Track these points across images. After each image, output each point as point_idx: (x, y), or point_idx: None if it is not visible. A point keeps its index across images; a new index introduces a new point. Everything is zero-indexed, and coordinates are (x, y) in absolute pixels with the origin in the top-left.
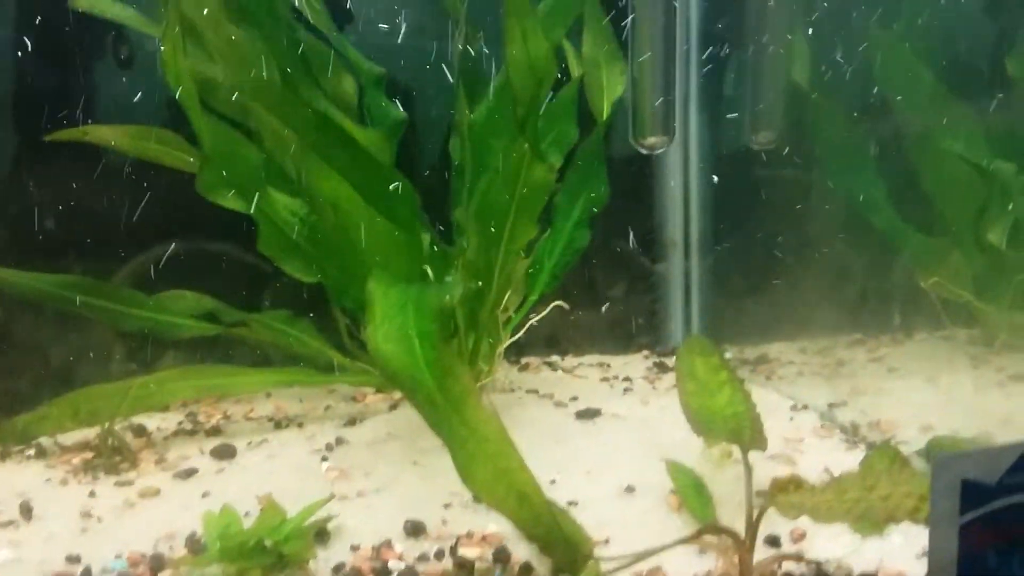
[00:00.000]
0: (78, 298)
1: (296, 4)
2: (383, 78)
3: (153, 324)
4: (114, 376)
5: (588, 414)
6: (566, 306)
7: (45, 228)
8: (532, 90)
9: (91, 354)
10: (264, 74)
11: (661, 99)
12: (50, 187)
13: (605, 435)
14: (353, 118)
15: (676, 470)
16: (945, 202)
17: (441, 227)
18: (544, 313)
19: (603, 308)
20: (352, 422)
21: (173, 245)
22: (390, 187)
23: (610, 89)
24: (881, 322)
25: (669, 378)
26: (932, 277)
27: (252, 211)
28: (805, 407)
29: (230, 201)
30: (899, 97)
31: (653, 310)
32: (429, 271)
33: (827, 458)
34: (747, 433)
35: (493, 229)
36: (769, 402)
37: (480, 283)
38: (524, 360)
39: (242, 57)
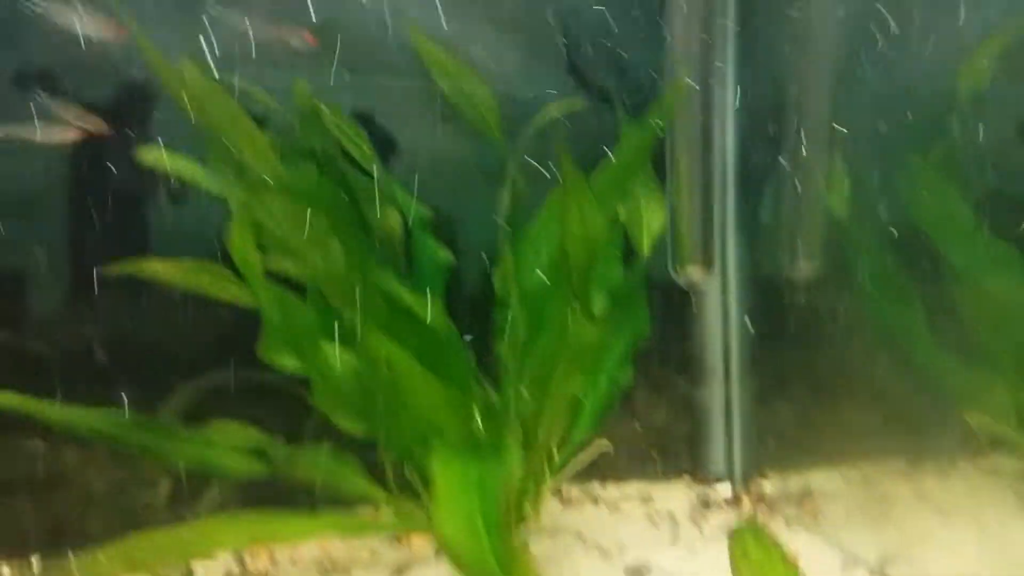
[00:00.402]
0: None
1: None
2: (430, 221)
3: (201, 461)
4: (159, 509)
5: (637, 572)
6: (611, 447)
7: (97, 360)
8: (587, 262)
9: (137, 484)
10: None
11: (700, 231)
12: (104, 320)
13: None
14: (398, 259)
15: None
16: (987, 334)
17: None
18: (589, 456)
19: (644, 436)
20: (399, 571)
21: (222, 375)
22: (444, 348)
23: (650, 225)
24: (924, 452)
25: (714, 518)
26: (974, 408)
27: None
28: (856, 561)
29: (288, 362)
30: (936, 230)
31: (694, 437)
32: (480, 424)
33: None
34: None
35: (543, 382)
36: (819, 556)
37: (528, 434)
38: (565, 492)
39: (300, 223)
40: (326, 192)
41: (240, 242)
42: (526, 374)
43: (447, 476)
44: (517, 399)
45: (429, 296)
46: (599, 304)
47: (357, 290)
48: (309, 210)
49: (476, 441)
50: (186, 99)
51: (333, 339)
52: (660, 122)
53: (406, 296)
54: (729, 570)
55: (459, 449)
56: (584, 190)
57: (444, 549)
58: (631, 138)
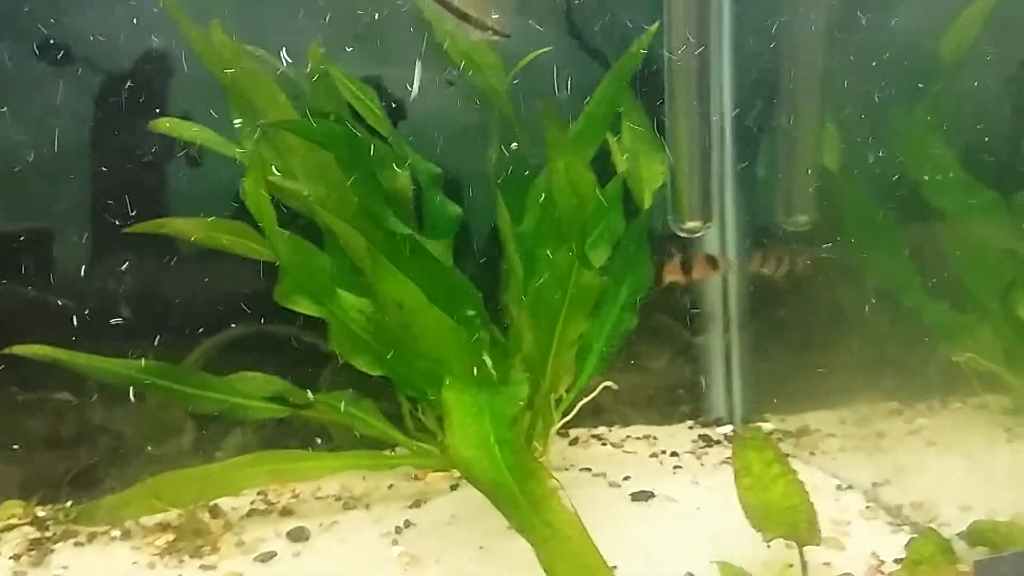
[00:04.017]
0: (154, 382)
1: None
2: (439, 177)
3: (225, 406)
4: (186, 452)
5: (642, 496)
6: (615, 386)
7: (122, 314)
8: (576, 211)
9: (164, 431)
10: (339, 190)
11: (699, 185)
12: (128, 276)
13: (660, 520)
14: (409, 212)
15: (728, 571)
16: (973, 280)
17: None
18: (594, 395)
19: (647, 380)
20: (417, 503)
21: (243, 327)
22: (452, 287)
23: (650, 179)
24: (916, 391)
25: (715, 452)
26: (963, 350)
27: (324, 313)
28: (850, 487)
29: (304, 307)
30: (926, 180)
31: (695, 382)
32: (488, 362)
33: (874, 541)
34: (803, 527)
35: (547, 325)
36: (815, 482)
37: (535, 373)
38: (573, 433)
39: (321, 174)
40: (341, 142)
41: (254, 191)
42: (529, 319)
43: (459, 403)
44: (521, 341)
45: (438, 241)
46: (601, 254)
47: (369, 233)
48: (324, 158)
49: (486, 373)
50: (213, 62)
51: (347, 284)
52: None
53: (415, 236)
54: (731, 488)
55: (470, 380)
56: (565, 141)
57: (461, 470)
58: (604, 87)
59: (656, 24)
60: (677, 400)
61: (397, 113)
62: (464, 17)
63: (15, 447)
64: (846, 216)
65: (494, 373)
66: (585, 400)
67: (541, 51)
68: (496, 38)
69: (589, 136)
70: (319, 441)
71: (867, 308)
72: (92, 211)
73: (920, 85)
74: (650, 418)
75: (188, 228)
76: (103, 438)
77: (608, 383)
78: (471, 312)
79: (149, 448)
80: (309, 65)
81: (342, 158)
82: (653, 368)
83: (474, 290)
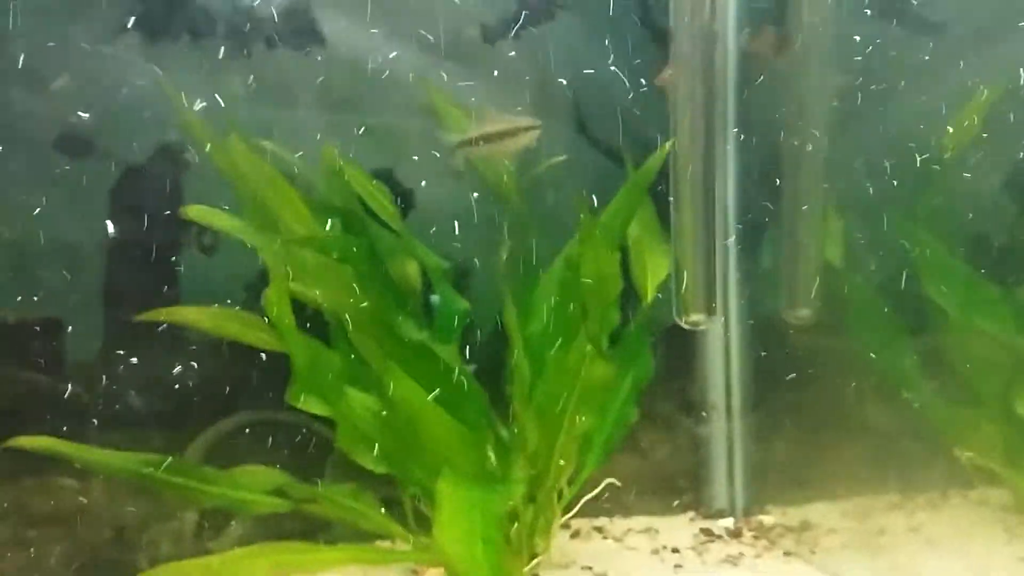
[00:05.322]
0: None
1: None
2: (448, 271)
3: (227, 500)
4: (186, 542)
5: None
6: (618, 483)
7: (130, 403)
8: (602, 307)
9: (165, 520)
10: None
11: (704, 278)
12: (136, 364)
13: None
14: (419, 307)
15: None
16: (975, 376)
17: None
18: (596, 491)
19: (649, 469)
20: None
21: (246, 415)
22: (459, 390)
23: (654, 272)
24: (917, 484)
25: (716, 549)
26: (964, 446)
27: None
28: None
29: (314, 406)
30: (928, 274)
31: (697, 472)
32: (492, 458)
33: None
34: None
35: (553, 422)
36: None
37: (539, 470)
38: (575, 525)
39: (333, 273)
40: (352, 247)
41: (276, 296)
42: (535, 418)
43: (452, 497)
44: (526, 438)
45: (446, 341)
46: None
47: (379, 336)
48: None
49: (483, 471)
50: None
51: (357, 384)
52: (650, 173)
53: (424, 341)
54: None
55: (466, 475)
56: (597, 239)
57: (445, 565)
58: (620, 199)
59: (671, 141)
60: (679, 489)
61: (408, 202)
62: (492, 137)
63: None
64: (848, 309)
65: (498, 472)
66: (588, 497)
67: (556, 159)
68: (533, 134)
69: (610, 234)
70: (321, 532)
71: (869, 400)
72: (104, 299)
73: (922, 179)
74: (651, 508)
75: (197, 317)
76: (104, 523)
77: (611, 480)
78: (476, 413)
79: (150, 534)
80: (322, 163)
81: (359, 271)
82: (655, 457)
83: (480, 392)
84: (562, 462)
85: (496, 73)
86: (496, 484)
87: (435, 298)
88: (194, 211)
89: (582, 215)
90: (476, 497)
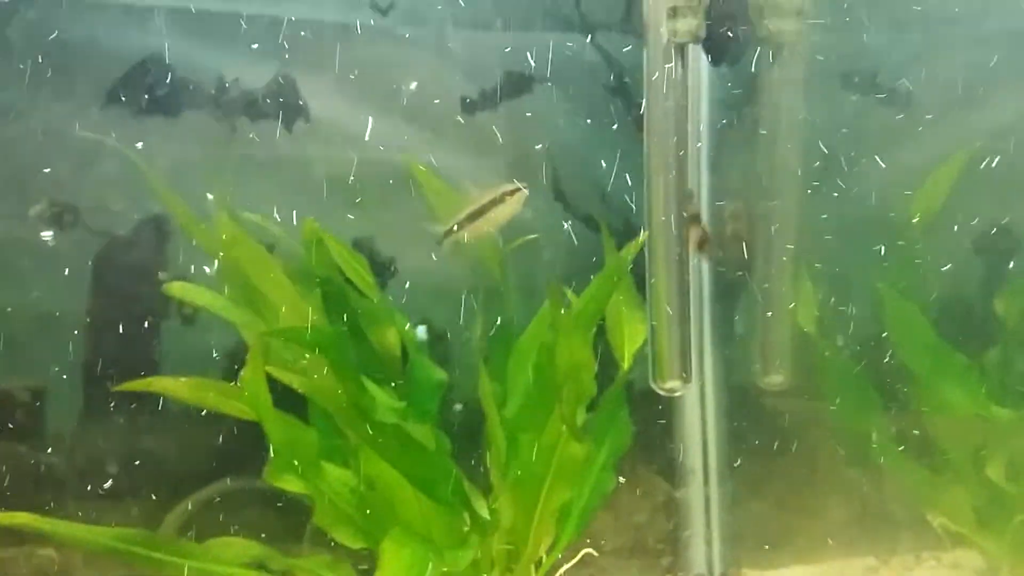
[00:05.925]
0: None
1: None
2: (424, 343)
3: (204, 575)
4: None
5: None
6: (595, 553)
7: (109, 474)
8: (578, 391)
9: None
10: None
11: (679, 344)
12: (114, 437)
13: None
14: (397, 369)
15: None
16: (946, 440)
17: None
18: (575, 561)
19: (627, 533)
20: None
21: (221, 485)
22: (434, 470)
23: (631, 338)
24: (891, 548)
25: None
26: (936, 510)
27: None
28: None
29: (292, 484)
30: (899, 342)
31: (676, 536)
32: (470, 535)
33: None
34: None
35: (530, 498)
36: None
37: (516, 543)
38: None
39: (315, 369)
40: (329, 337)
41: (252, 377)
42: (511, 495)
43: (395, 556)
44: (502, 515)
45: (422, 416)
46: (579, 418)
47: (354, 421)
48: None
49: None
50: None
51: (335, 458)
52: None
53: (399, 423)
54: None
55: (414, 535)
56: (572, 328)
57: None
58: (596, 286)
59: (645, 234)
60: (657, 552)
61: (386, 271)
62: (476, 215)
63: None
64: (823, 375)
65: (478, 552)
66: (567, 567)
67: (530, 237)
68: (520, 196)
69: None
70: None
71: (844, 464)
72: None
73: (892, 245)
74: (630, 573)
75: (175, 387)
76: None
77: (589, 550)
78: (451, 493)
79: None
80: (302, 234)
81: (336, 360)
82: (633, 521)
83: (456, 472)
84: (539, 534)
85: (475, 144)
86: (442, 548)
87: (421, 329)
88: (176, 288)
89: (552, 298)
90: (421, 557)
